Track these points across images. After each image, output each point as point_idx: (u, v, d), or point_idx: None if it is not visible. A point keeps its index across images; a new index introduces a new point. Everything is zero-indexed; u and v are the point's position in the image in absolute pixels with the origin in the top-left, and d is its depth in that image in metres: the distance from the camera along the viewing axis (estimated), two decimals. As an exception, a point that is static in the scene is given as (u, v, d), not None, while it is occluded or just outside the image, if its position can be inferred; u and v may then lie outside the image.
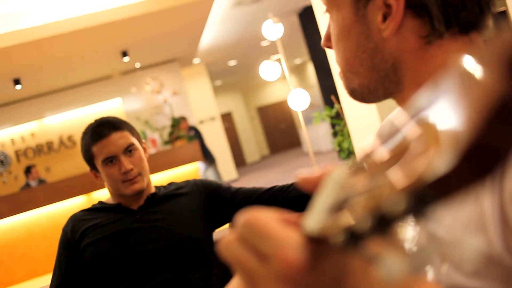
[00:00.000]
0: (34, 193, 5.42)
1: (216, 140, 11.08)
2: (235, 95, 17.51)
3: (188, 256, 1.51)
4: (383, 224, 0.26)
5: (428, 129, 0.25)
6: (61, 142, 9.35)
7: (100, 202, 1.64)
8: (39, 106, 9.31)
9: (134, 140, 1.56)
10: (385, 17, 0.64)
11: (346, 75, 0.71)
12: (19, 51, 6.27)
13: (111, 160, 1.52)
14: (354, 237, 0.27)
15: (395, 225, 0.25)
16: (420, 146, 0.25)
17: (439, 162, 0.22)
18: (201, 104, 11.44)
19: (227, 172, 11.07)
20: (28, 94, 8.94)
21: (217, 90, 15.96)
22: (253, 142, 17.35)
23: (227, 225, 1.73)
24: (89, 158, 1.56)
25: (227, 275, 1.60)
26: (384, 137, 0.86)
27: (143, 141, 1.65)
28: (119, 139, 1.52)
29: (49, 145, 9.29)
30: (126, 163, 1.51)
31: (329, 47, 0.74)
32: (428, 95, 0.27)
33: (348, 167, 0.33)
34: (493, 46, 0.23)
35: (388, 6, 0.63)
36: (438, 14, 0.61)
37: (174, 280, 1.47)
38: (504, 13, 7.42)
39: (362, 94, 0.71)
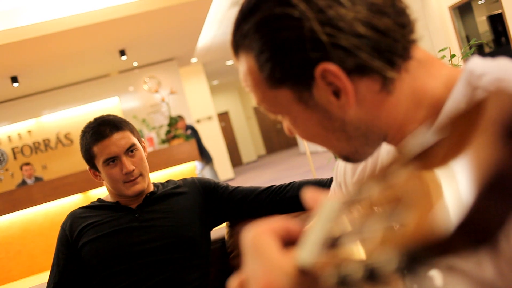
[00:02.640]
0: (31, 191, 5.42)
1: (213, 139, 11.09)
2: (232, 94, 17.51)
3: (186, 255, 1.51)
4: (375, 275, 0.25)
5: (432, 182, 0.24)
6: (58, 140, 9.34)
7: (99, 200, 1.63)
8: (37, 104, 9.29)
9: (135, 140, 1.55)
10: (336, 94, 0.61)
11: (331, 150, 0.70)
12: (16, 48, 6.26)
13: (112, 160, 1.50)
14: (345, 283, 0.27)
15: (387, 278, 0.25)
16: (421, 198, 0.24)
17: (441, 225, 0.22)
18: (198, 103, 11.44)
19: (223, 171, 11.08)
20: (26, 92, 8.93)
21: (214, 90, 15.96)
22: (250, 142, 17.35)
23: (224, 224, 1.74)
24: (90, 157, 1.54)
25: (224, 275, 1.62)
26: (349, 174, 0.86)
27: (142, 139, 1.64)
28: (121, 139, 1.51)
29: (46, 142, 9.28)
30: (128, 164, 1.50)
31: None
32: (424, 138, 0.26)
33: (342, 199, 0.33)
34: (488, 110, 0.22)
35: (331, 84, 0.60)
36: (380, 63, 0.59)
37: (171, 279, 1.47)
38: (500, 15, 7.40)
39: (356, 159, 0.69)
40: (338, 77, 0.59)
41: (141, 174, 1.54)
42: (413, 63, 0.62)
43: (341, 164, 0.91)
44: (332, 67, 0.58)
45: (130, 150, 1.52)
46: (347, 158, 0.70)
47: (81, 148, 1.56)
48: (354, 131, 0.65)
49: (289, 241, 0.40)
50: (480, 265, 0.52)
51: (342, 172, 0.89)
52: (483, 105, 0.23)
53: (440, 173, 0.24)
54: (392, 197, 0.27)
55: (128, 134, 1.54)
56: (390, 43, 0.59)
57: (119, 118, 1.59)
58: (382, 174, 0.29)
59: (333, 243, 0.30)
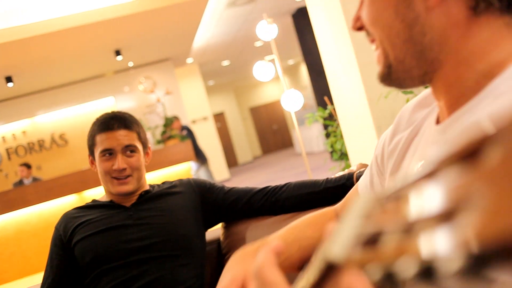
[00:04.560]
0: (25, 192, 5.39)
1: (208, 140, 11.07)
2: (228, 95, 17.50)
3: (179, 253, 1.51)
4: (430, 275, 0.22)
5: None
6: (53, 140, 9.31)
7: (94, 200, 1.64)
8: (31, 104, 9.26)
9: (138, 144, 1.57)
10: None
11: (384, 46, 0.66)
12: (11, 48, 6.24)
13: (109, 153, 1.53)
14: (393, 281, 0.24)
15: (445, 279, 0.22)
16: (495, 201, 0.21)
17: None
18: (193, 103, 11.42)
19: (219, 172, 11.07)
20: (20, 92, 8.89)
21: (210, 90, 15.94)
22: (246, 142, 17.34)
23: (219, 225, 1.73)
24: (91, 144, 1.58)
25: (219, 275, 1.61)
26: (403, 125, 0.83)
27: (149, 146, 1.67)
28: (124, 136, 1.54)
29: (41, 143, 9.24)
30: (121, 161, 1.52)
31: (360, 28, 0.70)
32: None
33: (375, 197, 0.30)
34: None
35: None
36: None
37: (165, 277, 1.47)
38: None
39: (397, 72, 0.66)
40: None
41: (131, 176, 1.54)
42: (505, 20, 0.59)
43: (382, 137, 0.89)
44: None
45: (129, 149, 1.54)
46: (388, 68, 0.66)
47: (88, 134, 1.61)
48: (418, 35, 0.62)
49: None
50: None
51: (382, 143, 0.88)
52: None
53: None
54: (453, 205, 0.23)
55: (133, 135, 1.56)
56: None
57: (133, 119, 1.62)
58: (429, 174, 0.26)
59: (369, 240, 0.27)
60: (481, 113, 0.58)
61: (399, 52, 0.64)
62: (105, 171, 1.54)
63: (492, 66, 0.60)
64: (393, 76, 0.67)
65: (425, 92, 0.81)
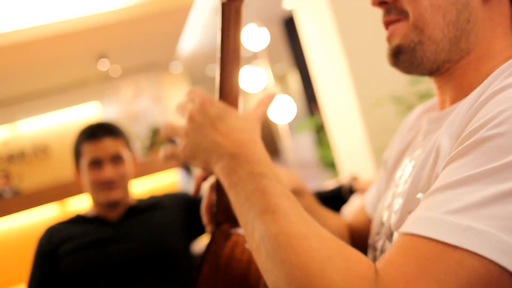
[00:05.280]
0: (5, 202, 5.26)
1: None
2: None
3: (166, 268, 1.50)
4: None
5: None
6: (35, 148, 9.17)
7: (78, 215, 1.62)
8: (13, 111, 9.12)
9: (125, 151, 1.57)
10: None
11: (418, 24, 0.65)
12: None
13: (97, 164, 1.52)
14: None
15: None
16: None
17: None
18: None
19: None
20: (1, 98, 8.77)
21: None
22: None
23: (204, 236, 1.72)
24: (77, 154, 1.57)
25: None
26: (405, 130, 0.86)
27: (135, 154, 1.67)
28: (110, 145, 1.53)
29: (22, 151, 9.09)
30: (109, 170, 1.51)
31: (385, 1, 0.69)
32: None
33: None
34: None
35: None
36: None
37: None
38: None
39: (423, 51, 0.66)
40: None
41: (118, 185, 1.54)
42: None
43: (389, 145, 0.92)
44: None
45: (116, 158, 1.53)
46: (414, 43, 0.66)
47: (74, 143, 1.60)
48: (463, 21, 0.64)
49: None
50: None
51: (389, 150, 0.91)
52: None
53: None
54: None
55: (120, 142, 1.56)
56: None
57: (118, 126, 1.62)
58: None
59: None
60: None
61: (439, 32, 0.65)
62: (92, 182, 1.53)
63: (499, 62, 0.64)
64: (415, 53, 0.67)
65: (431, 101, 0.85)
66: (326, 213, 0.97)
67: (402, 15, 0.68)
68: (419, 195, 0.60)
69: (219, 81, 0.74)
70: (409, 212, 0.58)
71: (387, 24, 0.71)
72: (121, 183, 1.55)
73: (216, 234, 0.73)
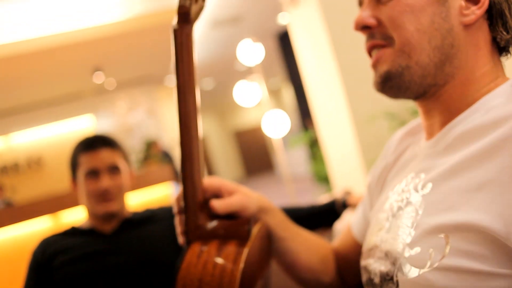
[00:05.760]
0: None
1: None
2: (211, 117, 17.48)
3: (160, 281, 1.49)
4: None
5: None
6: (29, 161, 9.13)
7: (73, 228, 1.61)
8: (7, 123, 9.10)
9: (122, 163, 1.57)
10: (468, 1, 0.67)
11: (405, 49, 0.68)
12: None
13: (94, 175, 1.52)
14: None
15: None
16: None
17: None
18: (175, 125, 11.35)
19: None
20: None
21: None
22: (228, 165, 17.29)
23: None
24: (74, 165, 1.57)
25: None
26: (390, 153, 0.88)
27: (131, 167, 1.67)
28: (108, 155, 1.53)
29: (16, 163, 9.05)
30: (106, 181, 1.51)
31: (367, 27, 0.72)
32: None
33: None
34: None
35: None
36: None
37: None
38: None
39: (411, 76, 0.69)
40: None
41: (115, 196, 1.54)
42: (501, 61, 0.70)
43: (372, 168, 0.93)
44: None
45: (113, 169, 1.54)
46: (402, 68, 0.69)
47: (70, 155, 1.59)
48: (448, 45, 0.67)
49: None
50: None
51: (372, 173, 0.92)
52: None
53: None
54: None
55: (116, 153, 1.56)
56: None
57: (115, 139, 1.62)
58: None
59: None
60: (470, 125, 0.65)
61: (425, 57, 0.67)
62: (89, 193, 1.52)
63: (487, 86, 0.68)
64: (403, 78, 0.69)
65: (411, 123, 0.87)
66: (304, 232, 0.97)
67: (387, 40, 0.70)
68: (441, 235, 0.59)
69: (177, 104, 0.78)
70: (432, 248, 0.59)
71: (371, 48, 0.73)
72: (117, 194, 1.54)
73: (187, 252, 0.75)
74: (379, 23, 0.71)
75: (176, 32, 0.78)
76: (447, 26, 0.67)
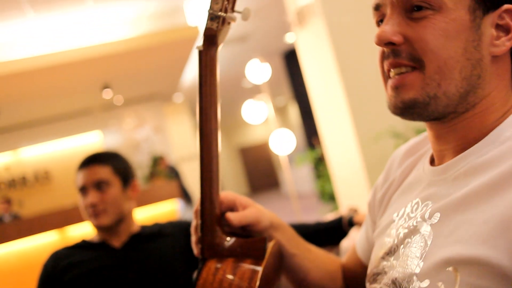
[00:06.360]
0: (5, 227, 5.24)
1: (196, 178, 10.98)
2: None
3: None
4: None
5: None
6: (36, 175, 9.16)
7: (83, 241, 1.64)
8: (16, 137, 9.15)
9: (112, 177, 1.59)
10: (498, 30, 0.65)
11: (435, 77, 0.65)
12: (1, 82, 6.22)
13: (83, 190, 1.57)
14: None
15: None
16: None
17: None
18: (182, 141, 11.39)
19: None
20: (5, 124, 8.81)
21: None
22: (234, 182, 17.26)
23: None
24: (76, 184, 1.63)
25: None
26: (394, 168, 0.87)
27: (135, 180, 1.69)
28: (94, 172, 1.57)
29: (24, 178, 9.08)
30: (92, 197, 1.55)
31: (393, 42, 0.67)
32: None
33: None
34: None
35: (502, 26, 0.65)
36: None
37: None
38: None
39: (436, 105, 0.66)
40: None
41: (104, 211, 1.55)
42: None
43: (373, 187, 0.93)
44: None
45: (99, 184, 1.56)
46: (429, 98, 0.66)
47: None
48: (476, 76, 0.65)
49: None
50: None
51: (373, 191, 0.91)
52: None
53: None
54: None
55: (105, 169, 1.59)
56: None
57: (110, 153, 1.67)
58: None
59: None
60: (483, 158, 0.63)
61: (453, 87, 0.65)
62: (82, 207, 1.58)
63: (504, 115, 0.66)
64: (428, 107, 0.66)
65: (413, 141, 0.86)
66: (313, 248, 0.98)
67: (416, 63, 0.66)
68: (450, 268, 0.59)
69: (199, 123, 0.80)
70: (441, 281, 0.59)
71: (393, 66, 0.68)
72: (107, 209, 1.56)
73: (203, 269, 0.77)
74: (406, 40, 0.67)
75: (201, 53, 0.79)
76: (478, 56, 0.65)
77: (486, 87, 0.65)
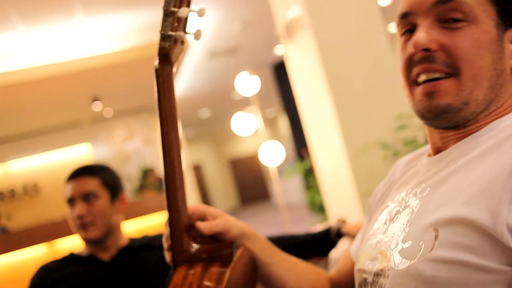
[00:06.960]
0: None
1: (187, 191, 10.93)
2: (207, 145, 17.49)
3: None
4: None
5: None
6: (25, 188, 9.08)
7: (72, 254, 1.62)
8: (4, 150, 9.08)
9: (100, 190, 1.58)
10: None
11: (469, 84, 0.68)
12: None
13: (71, 202, 1.56)
14: None
15: None
16: None
17: None
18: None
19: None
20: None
21: (189, 141, 15.92)
22: (223, 194, 17.21)
23: None
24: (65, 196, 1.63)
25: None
26: (397, 174, 0.89)
27: (123, 193, 1.68)
28: (82, 184, 1.57)
29: (12, 191, 9.00)
30: (80, 209, 1.53)
31: (428, 49, 0.70)
32: None
33: None
34: None
35: None
36: None
37: None
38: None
39: (465, 111, 0.69)
40: None
41: (92, 223, 1.54)
42: None
43: (375, 190, 0.95)
44: None
45: (88, 196, 1.56)
46: (463, 104, 0.69)
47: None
48: (499, 85, 0.69)
49: None
50: None
51: (374, 194, 0.94)
52: None
53: None
54: None
55: (93, 181, 1.58)
56: None
57: (98, 166, 1.66)
58: None
59: None
60: (475, 141, 0.68)
61: (482, 95, 0.69)
62: (70, 220, 1.57)
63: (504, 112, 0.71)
64: (459, 113, 0.70)
65: (417, 151, 0.89)
66: (291, 258, 0.99)
67: (452, 70, 0.69)
68: (431, 228, 0.62)
69: (160, 137, 0.85)
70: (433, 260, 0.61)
71: (425, 71, 0.71)
72: (95, 221, 1.55)
73: (174, 274, 0.80)
74: (441, 48, 0.70)
75: (157, 71, 0.84)
76: (501, 66, 0.69)
77: (505, 96, 0.70)
